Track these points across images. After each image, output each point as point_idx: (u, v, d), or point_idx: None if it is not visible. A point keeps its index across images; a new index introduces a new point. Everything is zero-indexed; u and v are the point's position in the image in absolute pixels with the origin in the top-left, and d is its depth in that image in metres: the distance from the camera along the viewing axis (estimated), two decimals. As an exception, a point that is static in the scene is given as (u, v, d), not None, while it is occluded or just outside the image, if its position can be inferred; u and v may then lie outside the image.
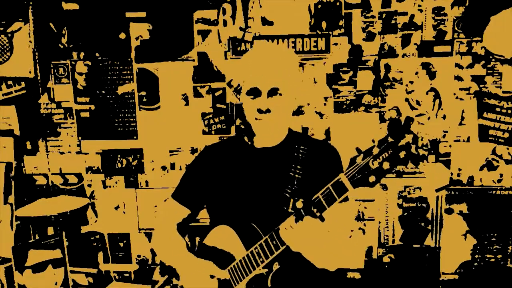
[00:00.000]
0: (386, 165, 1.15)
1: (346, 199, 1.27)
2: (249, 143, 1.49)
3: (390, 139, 1.15)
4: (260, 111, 1.35)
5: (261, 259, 1.32)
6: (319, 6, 2.22)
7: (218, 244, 1.45)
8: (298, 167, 1.42)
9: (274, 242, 1.29)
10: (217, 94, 2.34)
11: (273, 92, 1.34)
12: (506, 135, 2.21)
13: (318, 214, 1.22)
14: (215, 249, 1.45)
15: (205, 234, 1.52)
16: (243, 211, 1.42)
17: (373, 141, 1.18)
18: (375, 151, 1.16)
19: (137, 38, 2.32)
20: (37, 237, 2.46)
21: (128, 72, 2.36)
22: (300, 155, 1.44)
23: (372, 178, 1.16)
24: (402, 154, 1.14)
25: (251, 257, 1.34)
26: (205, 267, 1.41)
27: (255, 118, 1.37)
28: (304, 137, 1.53)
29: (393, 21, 2.20)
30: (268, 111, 1.34)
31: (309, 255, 1.33)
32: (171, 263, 1.55)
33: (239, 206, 1.43)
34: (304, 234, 1.25)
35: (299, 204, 1.24)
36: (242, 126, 2.35)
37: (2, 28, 2.34)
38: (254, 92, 1.35)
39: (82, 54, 2.36)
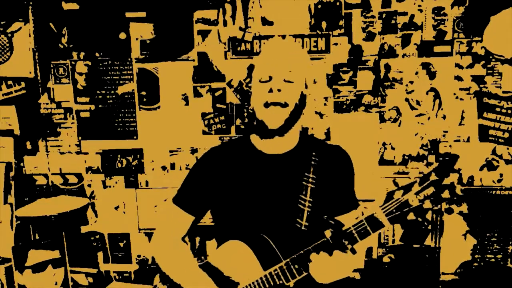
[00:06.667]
0: (427, 204, 1.09)
1: (353, 250, 1.19)
2: (259, 149, 1.42)
3: (433, 177, 1.08)
4: (271, 91, 1.30)
5: (280, 281, 1.27)
6: (319, 6, 2.22)
7: (231, 263, 1.35)
8: (311, 176, 1.37)
9: (297, 267, 1.25)
10: (217, 94, 2.34)
11: (286, 77, 1.32)
12: (506, 135, 2.21)
13: (349, 247, 1.17)
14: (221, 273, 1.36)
15: (205, 234, 1.48)
16: (252, 220, 1.37)
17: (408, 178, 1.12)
18: (416, 188, 1.10)
19: (137, 39, 2.33)
20: (37, 237, 2.46)
21: (128, 72, 2.36)
22: (312, 162, 1.38)
23: (411, 216, 1.10)
24: (445, 194, 1.07)
25: (270, 278, 1.29)
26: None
27: (265, 104, 1.31)
28: (316, 142, 1.48)
29: (393, 21, 2.20)
30: (279, 90, 1.30)
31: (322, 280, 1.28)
32: (179, 280, 1.37)
33: (248, 214, 1.38)
34: (332, 267, 1.21)
35: (328, 234, 1.18)
36: (242, 126, 2.35)
37: (2, 28, 2.35)
38: (268, 77, 1.33)
39: (82, 54, 2.36)
